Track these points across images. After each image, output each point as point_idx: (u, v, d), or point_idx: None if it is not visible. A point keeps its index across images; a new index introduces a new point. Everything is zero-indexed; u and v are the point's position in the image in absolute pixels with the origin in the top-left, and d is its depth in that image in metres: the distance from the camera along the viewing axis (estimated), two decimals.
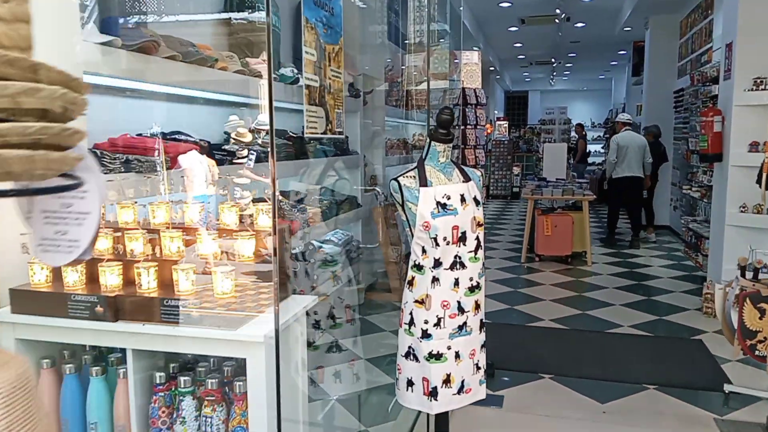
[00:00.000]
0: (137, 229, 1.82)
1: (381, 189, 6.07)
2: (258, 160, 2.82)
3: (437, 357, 2.21)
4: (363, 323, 3.85)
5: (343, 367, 2.75)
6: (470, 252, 2.23)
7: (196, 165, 2.14)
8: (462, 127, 3.30)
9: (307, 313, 1.98)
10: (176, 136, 2.93)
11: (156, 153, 2.56)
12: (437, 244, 2.17)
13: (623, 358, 4.26)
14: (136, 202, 1.93)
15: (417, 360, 2.24)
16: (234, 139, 3.03)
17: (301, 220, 3.27)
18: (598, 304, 5.53)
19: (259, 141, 3.16)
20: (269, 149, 1.61)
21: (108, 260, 1.73)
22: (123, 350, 1.68)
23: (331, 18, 2.30)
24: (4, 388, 0.66)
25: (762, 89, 4.82)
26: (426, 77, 3.35)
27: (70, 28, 2.08)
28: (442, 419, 2.50)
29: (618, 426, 3.27)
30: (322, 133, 2.24)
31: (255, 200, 2.04)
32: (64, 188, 0.73)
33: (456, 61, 3.59)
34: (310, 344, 2.25)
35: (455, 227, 2.19)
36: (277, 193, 1.81)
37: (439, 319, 2.21)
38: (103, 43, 2.21)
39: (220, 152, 2.88)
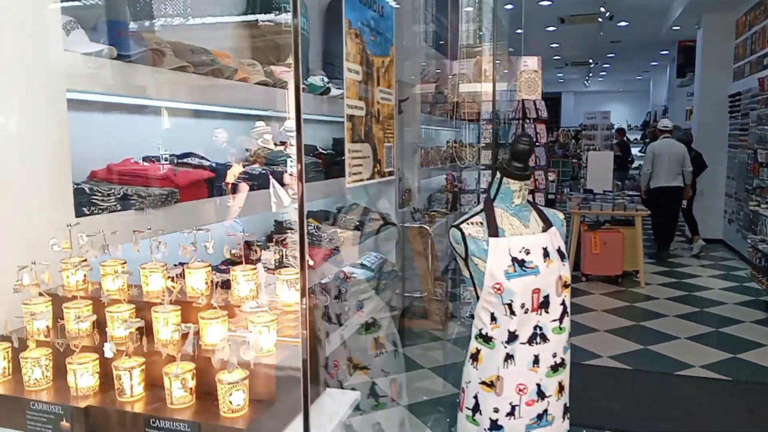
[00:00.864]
0: (120, 302, 1.36)
1: (416, 206, 5.59)
2: (262, 186, 2.38)
3: None
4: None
5: None
6: (554, 321, 1.73)
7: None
8: None
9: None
10: (187, 159, 2.51)
11: (161, 183, 2.13)
12: (512, 312, 1.68)
13: (699, 406, 3.70)
14: (124, 264, 1.48)
15: None
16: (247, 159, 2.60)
17: (330, 247, 2.80)
18: (660, 336, 4.95)
19: (281, 154, 2.71)
20: (297, 179, 1.14)
21: (82, 350, 1.28)
22: None
23: (380, 21, 1.80)
24: None
25: None
26: (476, 83, 2.87)
27: (45, 35, 1.64)
28: None
29: None
30: (368, 179, 1.75)
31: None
32: None
33: (505, 71, 3.11)
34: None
35: (536, 291, 1.69)
36: (306, 252, 1.34)
37: (513, 408, 1.72)
38: (89, 54, 1.76)
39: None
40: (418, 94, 4.80)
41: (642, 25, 10.92)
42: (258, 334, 1.25)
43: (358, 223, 2.58)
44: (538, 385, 1.74)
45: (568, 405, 1.85)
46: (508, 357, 1.70)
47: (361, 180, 1.74)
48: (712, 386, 4.02)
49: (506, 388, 1.71)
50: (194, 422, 1.14)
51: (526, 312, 1.68)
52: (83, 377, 1.23)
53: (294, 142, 1.14)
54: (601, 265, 6.59)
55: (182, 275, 1.44)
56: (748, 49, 8.19)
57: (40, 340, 1.35)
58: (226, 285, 1.42)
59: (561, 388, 1.79)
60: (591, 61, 15.34)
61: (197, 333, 1.27)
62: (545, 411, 1.75)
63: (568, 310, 1.76)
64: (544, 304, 1.70)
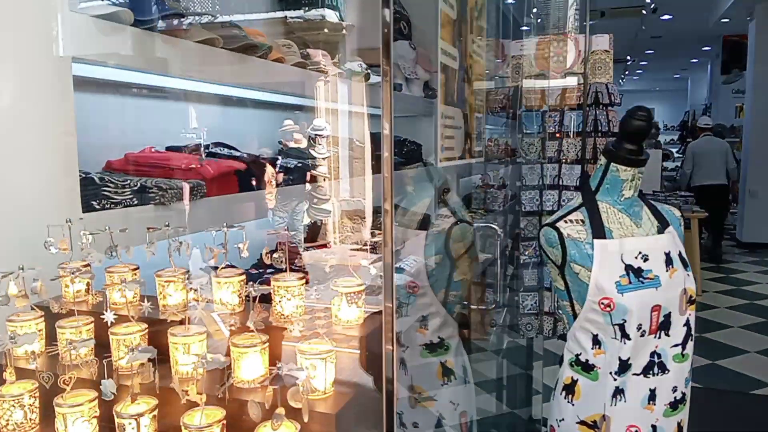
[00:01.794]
0: (129, 320, 1.04)
1: (454, 206, 5.21)
2: (290, 182, 2.08)
3: None
4: None
5: None
6: (675, 346, 1.37)
7: None
8: (593, 136, 2.46)
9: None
10: (216, 150, 2.22)
11: (186, 174, 1.83)
12: (625, 336, 1.31)
13: None
14: (136, 270, 1.16)
15: None
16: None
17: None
18: (728, 350, 4.51)
19: (313, 150, 2.40)
20: (383, 184, 0.81)
21: (76, 386, 0.96)
22: None
23: None
24: None
25: None
26: (540, 70, 2.51)
27: None
28: None
29: None
30: (459, 158, 1.39)
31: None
32: None
33: (568, 52, 2.74)
34: None
35: (656, 308, 1.32)
36: (393, 261, 1.02)
37: None
38: (101, 16, 1.45)
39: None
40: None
41: (687, 18, 10.39)
42: (312, 369, 0.91)
43: (421, 220, 2.22)
44: (654, 427, 1.37)
45: None
46: (618, 392, 1.34)
47: (453, 158, 1.38)
48: None
49: (614, 431, 1.35)
50: None
51: (643, 335, 1.32)
52: (76, 425, 0.91)
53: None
54: None
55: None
56: None
57: (24, 369, 1.03)
58: (265, 299, 1.09)
59: (680, 429, 1.42)
60: (629, 58, 14.76)
61: (229, 367, 0.94)
62: None
63: (693, 332, 1.39)
64: (665, 325, 1.34)
